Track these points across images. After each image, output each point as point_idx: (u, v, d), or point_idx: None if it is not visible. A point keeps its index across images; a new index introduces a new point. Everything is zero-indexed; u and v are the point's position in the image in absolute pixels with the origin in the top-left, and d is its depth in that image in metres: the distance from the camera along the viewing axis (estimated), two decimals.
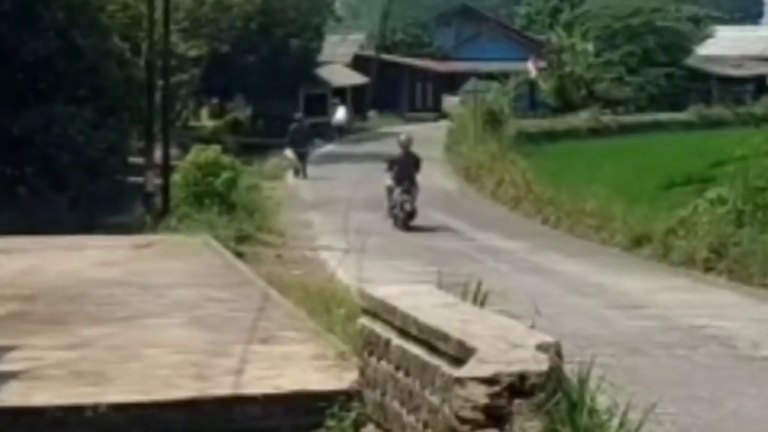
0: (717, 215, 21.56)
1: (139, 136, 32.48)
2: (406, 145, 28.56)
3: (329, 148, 51.09)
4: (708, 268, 20.19)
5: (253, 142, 45.74)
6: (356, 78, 64.30)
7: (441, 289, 8.65)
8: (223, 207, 24.27)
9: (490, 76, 59.83)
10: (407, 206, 27.34)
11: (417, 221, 27.19)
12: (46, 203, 27.58)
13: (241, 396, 8.50)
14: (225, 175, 25.56)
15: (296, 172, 40.38)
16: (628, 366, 11.85)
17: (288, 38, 54.20)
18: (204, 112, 55.16)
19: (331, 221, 27.45)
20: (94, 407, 8.14)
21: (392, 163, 28.31)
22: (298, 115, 45.47)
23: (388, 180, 28.07)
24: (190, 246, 18.80)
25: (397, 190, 27.56)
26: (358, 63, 66.79)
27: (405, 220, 27.27)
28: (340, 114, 56.94)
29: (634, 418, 6.51)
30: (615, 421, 6.44)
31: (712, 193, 22.64)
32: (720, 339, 14.10)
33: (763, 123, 44.62)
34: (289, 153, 41.14)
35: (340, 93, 60.69)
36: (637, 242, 23.37)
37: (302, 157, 40.68)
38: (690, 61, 70.39)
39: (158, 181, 26.71)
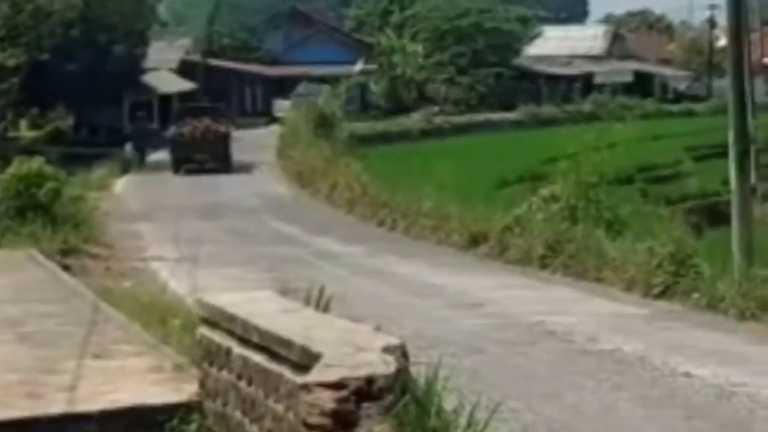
0: (551, 212, 21.91)
1: None
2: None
3: (160, 155, 50.45)
4: (544, 265, 20.45)
5: (77, 152, 44.75)
6: (183, 84, 63.51)
7: (283, 295, 8.48)
8: (47, 219, 23.59)
9: (321, 80, 59.96)
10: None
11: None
12: None
13: (75, 413, 8.25)
14: (48, 186, 24.87)
15: (139, 162, 47.57)
16: (471, 365, 11.87)
17: (111, 44, 53.31)
18: (23, 123, 53.84)
19: (162, 230, 26.94)
20: None
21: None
22: (140, 113, 52.98)
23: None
24: (14, 261, 18.36)
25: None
26: (184, 69, 65.91)
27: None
28: None
29: (480, 416, 6.51)
30: (462, 421, 6.44)
31: (545, 191, 22.98)
32: (558, 334, 14.27)
33: (593, 120, 45.63)
34: (128, 147, 47.87)
35: (167, 100, 60.10)
36: (474, 241, 23.56)
37: (141, 149, 48.31)
38: (519, 61, 71.72)
39: None
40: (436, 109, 63.91)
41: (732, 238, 16.90)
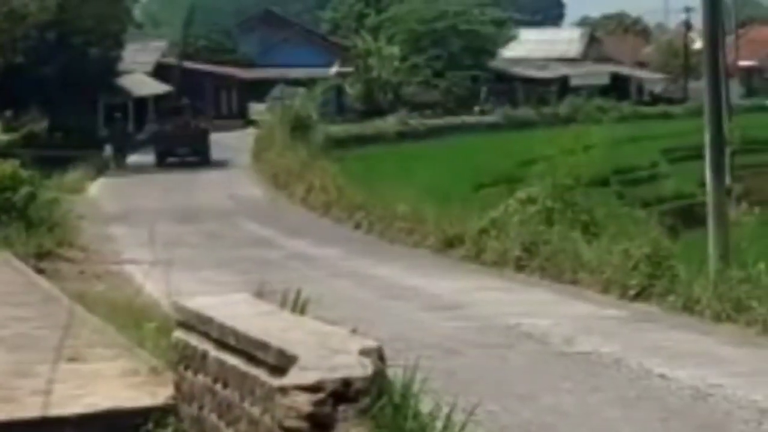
0: (527, 214, 21.91)
1: None
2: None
3: (135, 157, 50.47)
4: (520, 267, 20.45)
5: (52, 155, 44.45)
6: (158, 87, 63.31)
7: (259, 298, 8.44)
8: (22, 223, 23.45)
9: (296, 82, 59.92)
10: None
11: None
12: None
13: (50, 418, 8.14)
14: (24, 189, 24.72)
15: (117, 162, 48.54)
16: (447, 367, 11.85)
17: (86, 47, 53.10)
18: None
19: (137, 233, 26.80)
20: None
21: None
22: (118, 114, 54.02)
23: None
24: None
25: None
26: (160, 71, 65.70)
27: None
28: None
29: (457, 419, 6.51)
30: (439, 424, 6.42)
31: (522, 193, 23.01)
32: (534, 336, 14.26)
33: (569, 122, 45.72)
34: (108, 148, 49.59)
35: (142, 102, 59.99)
36: (450, 244, 23.55)
37: (120, 150, 49.89)
38: (495, 64, 71.80)
39: None
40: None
41: (708, 240, 16.92)
